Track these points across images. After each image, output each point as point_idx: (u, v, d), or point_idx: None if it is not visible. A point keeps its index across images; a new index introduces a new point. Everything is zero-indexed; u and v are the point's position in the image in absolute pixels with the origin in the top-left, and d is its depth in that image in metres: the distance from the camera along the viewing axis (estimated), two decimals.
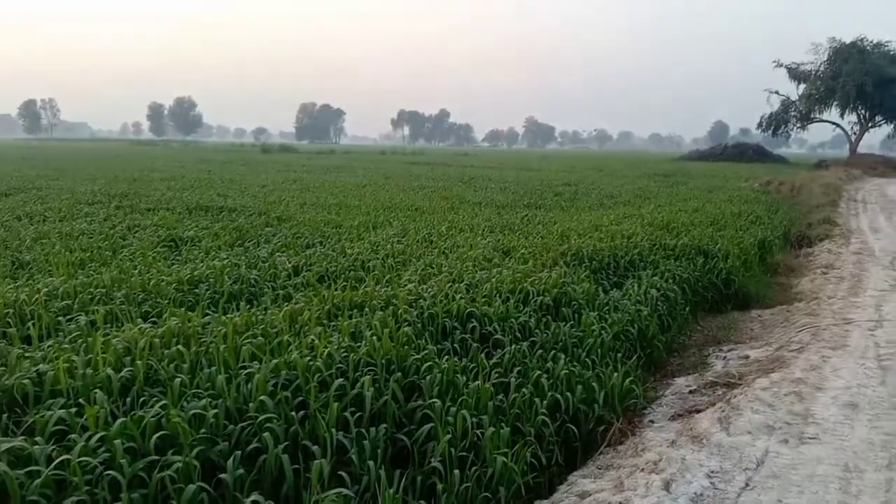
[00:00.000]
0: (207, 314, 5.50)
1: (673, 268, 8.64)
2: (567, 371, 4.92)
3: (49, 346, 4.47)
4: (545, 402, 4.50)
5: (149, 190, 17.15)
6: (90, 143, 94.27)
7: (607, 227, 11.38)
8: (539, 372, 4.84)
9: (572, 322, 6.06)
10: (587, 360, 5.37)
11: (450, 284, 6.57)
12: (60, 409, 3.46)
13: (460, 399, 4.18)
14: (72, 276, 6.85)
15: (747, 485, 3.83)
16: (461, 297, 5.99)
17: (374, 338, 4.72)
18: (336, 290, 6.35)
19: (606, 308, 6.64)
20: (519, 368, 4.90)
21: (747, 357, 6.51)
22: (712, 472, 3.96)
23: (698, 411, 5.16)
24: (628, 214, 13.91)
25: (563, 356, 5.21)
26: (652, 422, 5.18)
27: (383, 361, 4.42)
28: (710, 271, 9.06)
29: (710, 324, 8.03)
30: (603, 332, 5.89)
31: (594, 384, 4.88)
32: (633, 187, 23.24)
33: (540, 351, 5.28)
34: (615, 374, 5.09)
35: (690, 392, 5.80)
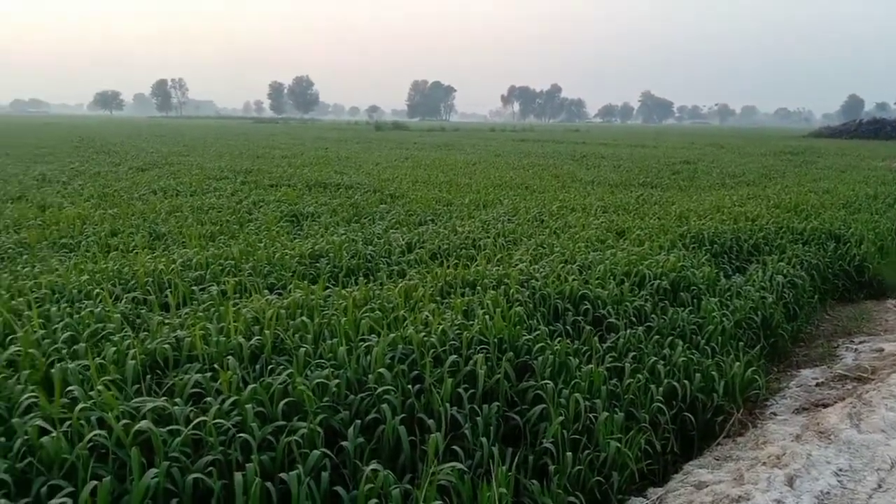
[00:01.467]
0: (328, 287, 5.73)
1: (801, 253, 8.16)
2: (685, 358, 4.78)
3: (185, 314, 4.81)
4: (661, 388, 4.40)
5: (271, 167, 17.94)
6: (215, 121, 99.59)
7: (729, 208, 10.89)
8: (655, 358, 4.74)
9: (691, 308, 5.87)
10: (706, 347, 5.20)
11: (562, 265, 6.52)
12: (196, 373, 3.73)
13: (573, 382, 4.16)
14: (203, 248, 7.31)
15: (880, 486, 3.61)
16: (574, 279, 5.93)
17: (487, 316, 4.77)
18: (448, 267, 6.44)
19: (728, 294, 6.38)
20: (634, 354, 4.80)
21: (881, 350, 6.08)
22: (840, 469, 3.76)
23: (825, 405, 4.90)
24: (752, 195, 13.22)
25: (680, 343, 5.06)
26: (774, 414, 4.96)
27: (495, 340, 4.46)
28: (841, 257, 8.50)
29: (841, 313, 7.55)
30: (724, 319, 5.67)
31: (714, 373, 4.73)
32: (758, 166, 22.04)
33: (656, 336, 5.16)
34: (736, 364, 4.90)
35: (817, 385, 5.51)
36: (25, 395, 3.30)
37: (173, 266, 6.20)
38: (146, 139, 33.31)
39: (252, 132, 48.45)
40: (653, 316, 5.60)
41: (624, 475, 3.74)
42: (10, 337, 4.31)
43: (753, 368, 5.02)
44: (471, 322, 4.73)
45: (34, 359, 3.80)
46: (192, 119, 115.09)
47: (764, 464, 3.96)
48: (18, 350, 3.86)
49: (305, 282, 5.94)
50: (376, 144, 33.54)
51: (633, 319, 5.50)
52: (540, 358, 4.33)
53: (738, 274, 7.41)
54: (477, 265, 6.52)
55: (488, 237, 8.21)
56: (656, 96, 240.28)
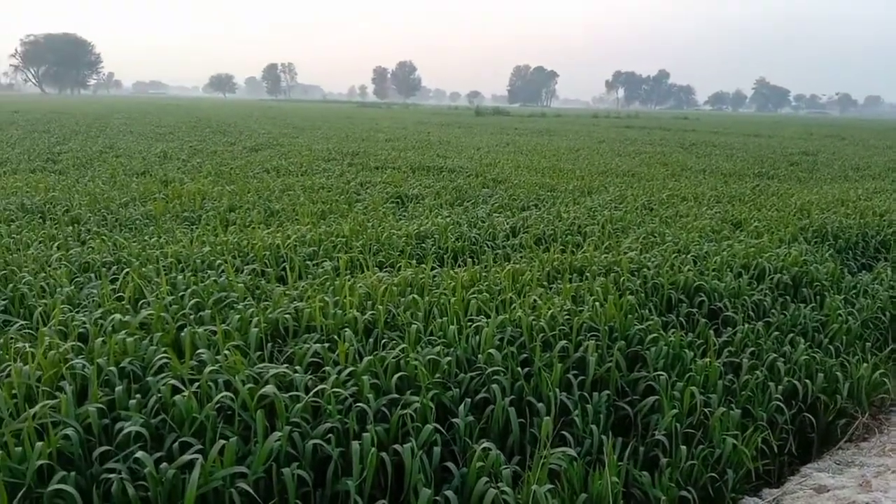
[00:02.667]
0: (434, 267, 5.78)
1: None
2: (807, 357, 4.52)
3: (302, 287, 4.97)
4: (780, 387, 4.19)
5: (376, 149, 18.28)
6: (322, 105, 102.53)
7: (854, 201, 10.22)
8: (774, 355, 4.51)
9: (813, 304, 5.55)
10: (830, 346, 4.90)
11: (675, 255, 6.31)
12: (315, 343, 3.85)
13: (687, 375, 4.02)
14: (315, 225, 7.54)
15: None
16: (688, 269, 5.72)
17: (597, 304, 4.68)
18: (554, 253, 6.36)
19: (854, 292, 5.99)
20: (752, 349, 4.59)
21: None
22: None
23: None
24: (879, 189, 12.35)
25: (802, 340, 4.79)
26: None
27: (606, 328, 4.37)
28: None
29: None
30: (849, 317, 5.32)
31: (838, 373, 4.45)
32: (885, 159, 20.56)
33: (776, 333, 4.90)
34: (863, 365, 4.59)
35: None
36: (158, 356, 3.50)
37: (288, 241, 6.42)
38: (257, 121, 34.66)
39: (356, 116, 49.54)
40: (772, 311, 5.34)
41: (739, 473, 3.59)
42: (142, 302, 4.61)
43: (881, 371, 4.69)
44: (580, 308, 4.65)
45: (165, 322, 4.03)
46: (299, 102, 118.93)
47: (894, 472, 3.71)
48: (150, 314, 4.11)
49: (413, 261, 6.01)
50: (477, 129, 33.54)
51: (752, 314, 5.26)
52: (653, 349, 4.21)
53: (864, 271, 6.94)
54: (584, 252, 6.40)
55: (595, 224, 8.05)
56: (771, 84, 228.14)
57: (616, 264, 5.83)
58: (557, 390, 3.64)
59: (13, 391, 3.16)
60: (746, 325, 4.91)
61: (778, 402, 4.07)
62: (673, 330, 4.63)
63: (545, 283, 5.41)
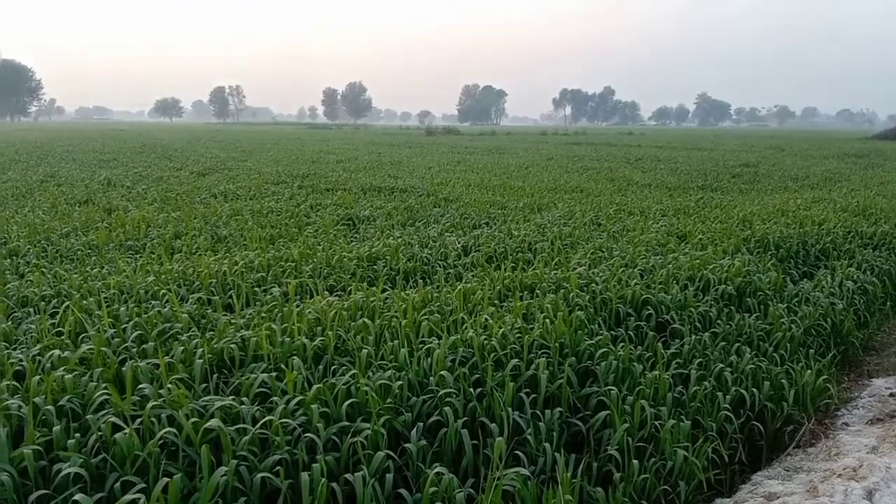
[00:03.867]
0: (386, 290, 5.75)
1: (871, 258, 7.85)
2: (753, 365, 4.63)
3: (249, 315, 4.88)
4: (728, 396, 4.27)
5: (326, 171, 18.18)
6: (271, 127, 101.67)
7: (794, 211, 10.55)
8: (722, 365, 4.60)
9: (758, 314, 5.69)
10: (775, 355, 5.03)
11: (622, 269, 6.40)
12: (262, 372, 3.77)
13: (637, 388, 4.07)
14: (264, 250, 7.43)
15: None
16: (636, 283, 5.81)
17: (547, 321, 4.70)
18: (505, 271, 6.40)
19: (796, 300, 6.17)
20: (700, 360, 4.67)
21: None
22: None
23: None
24: (817, 199, 12.79)
25: (747, 349, 4.91)
26: (846, 424, 4.75)
27: (557, 345, 4.40)
28: None
29: None
30: (792, 325, 5.48)
31: (783, 381, 4.56)
32: (822, 169, 21.33)
33: (722, 343, 5.01)
34: (807, 372, 4.72)
35: (892, 395, 5.25)
36: (98, 393, 3.39)
37: (236, 268, 6.31)
38: (205, 145, 34.16)
39: (306, 138, 49.23)
40: (718, 322, 5.45)
41: (691, 485, 3.63)
42: (82, 336, 4.45)
43: (825, 377, 4.83)
44: (531, 326, 4.67)
45: (106, 357, 3.90)
46: (248, 125, 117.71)
47: (839, 476, 3.79)
48: (91, 348, 3.98)
49: (364, 284, 5.97)
50: (428, 149, 33.68)
51: (698, 325, 5.37)
52: (603, 363, 4.25)
53: (805, 279, 7.16)
54: (534, 269, 6.45)
55: (545, 241, 8.13)
56: (713, 98, 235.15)
57: (565, 280, 5.89)
58: (510, 409, 3.64)
59: None
60: (693, 337, 5.00)
61: (726, 412, 4.14)
62: (622, 344, 4.69)
63: (496, 301, 5.43)
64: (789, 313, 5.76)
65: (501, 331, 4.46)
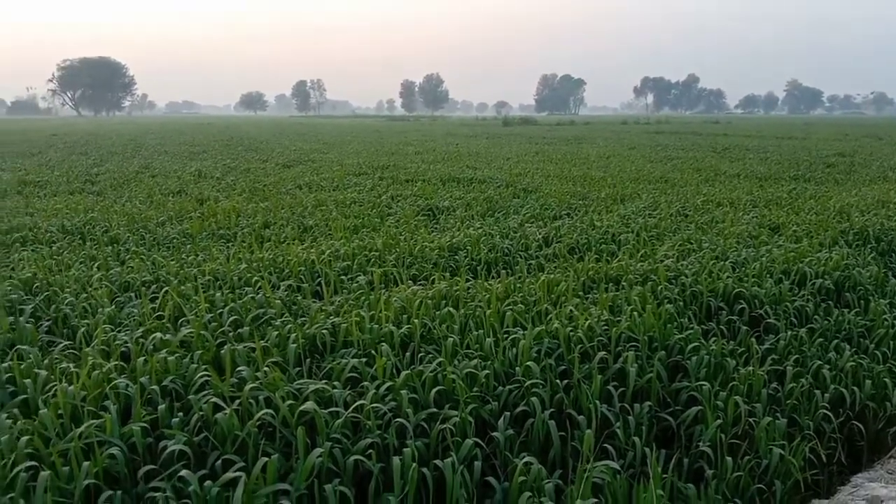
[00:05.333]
0: (468, 280, 5.77)
1: None
2: (853, 363, 4.40)
3: (338, 302, 5.00)
4: (827, 395, 4.08)
5: (405, 162, 18.36)
6: (351, 119, 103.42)
7: None
8: (819, 362, 4.39)
9: (857, 309, 5.41)
10: (877, 352, 4.76)
11: (713, 261, 6.21)
12: (352, 358, 3.86)
13: (730, 384, 3.95)
14: (349, 240, 7.58)
15: None
16: (727, 276, 5.62)
17: (635, 313, 4.61)
18: (588, 262, 6.31)
19: None
20: (796, 357, 4.48)
21: None
22: None
23: None
24: None
25: (847, 347, 4.67)
26: None
27: (645, 338, 4.31)
28: None
29: None
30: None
31: (886, 379, 4.31)
32: None
33: (820, 339, 4.78)
34: None
35: None
36: (199, 374, 3.54)
37: (323, 257, 6.47)
38: (288, 137, 35.07)
39: (385, 130, 49.85)
40: (815, 317, 5.21)
41: (787, 484, 3.49)
42: (181, 320, 4.67)
43: None
44: (618, 318, 4.59)
45: (205, 340, 4.08)
46: (329, 118, 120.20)
47: None
48: (190, 332, 4.16)
49: (447, 274, 6.01)
50: (505, 139, 33.52)
51: (794, 320, 5.15)
52: (694, 358, 4.14)
53: None
54: (619, 260, 6.34)
55: (629, 232, 7.96)
56: (804, 85, 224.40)
57: (653, 272, 5.76)
58: (598, 402, 3.59)
59: (59, 411, 3.22)
60: (789, 332, 4.80)
61: (825, 411, 3.96)
62: (714, 338, 4.56)
63: (581, 293, 5.36)
64: (892, 309, 5.45)
65: (588, 322, 4.40)
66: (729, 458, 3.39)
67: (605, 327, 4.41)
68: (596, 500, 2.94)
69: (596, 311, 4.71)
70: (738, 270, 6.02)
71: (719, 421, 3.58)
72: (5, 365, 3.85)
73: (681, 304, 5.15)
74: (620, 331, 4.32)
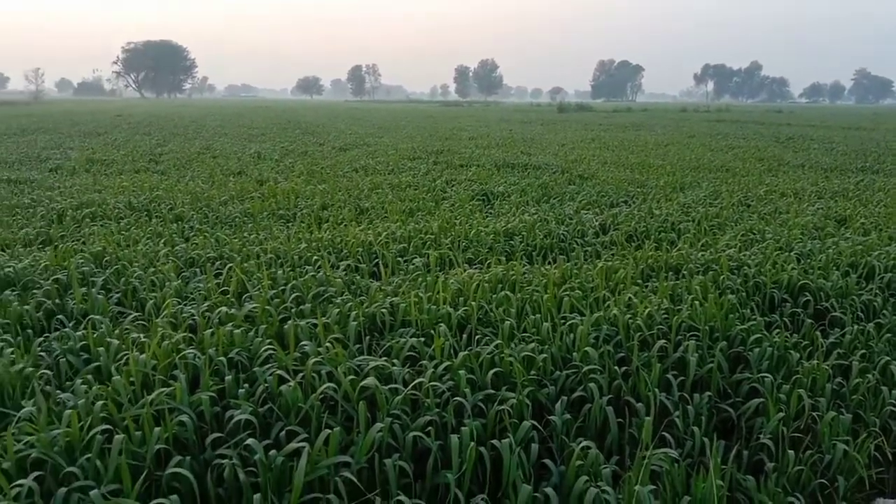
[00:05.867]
0: (524, 265, 5.76)
1: None
2: None
3: (396, 283, 5.06)
4: (894, 391, 3.95)
5: (459, 148, 18.36)
6: (405, 104, 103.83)
7: None
8: (887, 358, 4.25)
9: None
10: None
11: (776, 252, 6.05)
12: (411, 337, 3.91)
13: (793, 377, 3.86)
14: (404, 222, 7.65)
15: None
16: (791, 268, 5.48)
17: (696, 302, 4.54)
18: (647, 250, 6.23)
19: None
20: (862, 352, 4.35)
21: None
22: None
23: None
24: None
25: None
26: None
27: (706, 328, 4.24)
28: None
29: None
30: None
31: None
32: None
33: (888, 335, 4.63)
34: None
35: None
36: (264, 348, 3.64)
37: (379, 238, 6.54)
38: (343, 121, 35.42)
39: (438, 115, 49.85)
40: (884, 312, 5.04)
41: (850, 481, 3.41)
42: (245, 295, 4.80)
43: None
44: (678, 307, 4.53)
45: (269, 315, 4.18)
46: (383, 103, 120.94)
47: None
48: (255, 307, 4.27)
49: (502, 258, 6.01)
50: (560, 126, 33.16)
51: (861, 315, 4.99)
52: (756, 350, 4.06)
53: None
54: (679, 249, 6.23)
55: (689, 221, 7.82)
56: (873, 74, 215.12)
57: (714, 262, 5.65)
58: (657, 390, 3.56)
59: (131, 378, 3.36)
60: (856, 327, 4.65)
61: (892, 408, 3.84)
62: (777, 330, 4.45)
63: (639, 280, 5.30)
64: None
65: (647, 310, 4.35)
66: (791, 452, 3.33)
67: (665, 316, 4.36)
68: (654, 486, 2.93)
69: (656, 300, 4.65)
70: (803, 262, 5.86)
71: (781, 414, 3.51)
72: (79, 333, 4.03)
73: (743, 294, 5.05)
74: (681, 320, 4.26)
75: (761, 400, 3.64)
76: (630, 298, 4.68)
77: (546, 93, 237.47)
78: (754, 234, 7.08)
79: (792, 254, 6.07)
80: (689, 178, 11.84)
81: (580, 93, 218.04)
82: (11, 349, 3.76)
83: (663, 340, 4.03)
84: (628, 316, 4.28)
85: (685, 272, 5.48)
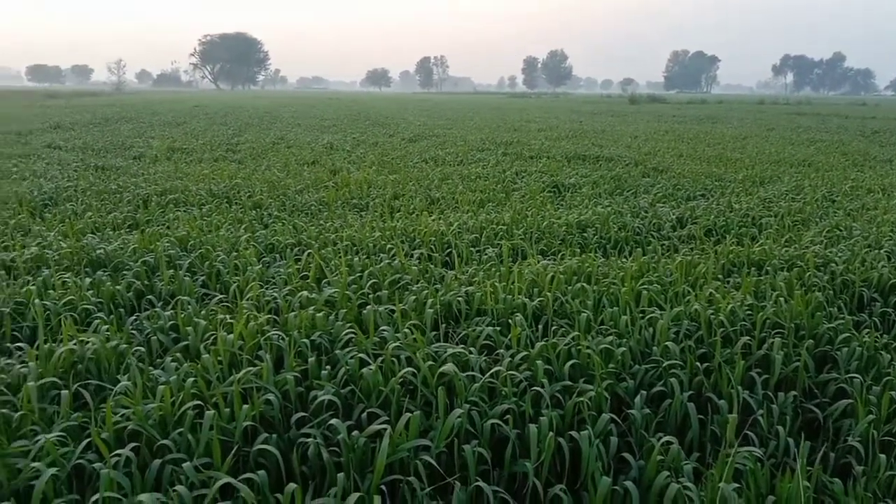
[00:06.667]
0: (599, 258, 5.69)
1: None
2: None
3: (470, 272, 5.08)
4: None
5: (528, 139, 18.24)
6: (472, 96, 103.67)
7: None
8: None
9: None
10: None
11: (865, 250, 5.79)
12: (487, 326, 3.92)
13: (884, 379, 3.69)
14: (475, 213, 7.66)
15: None
16: (882, 265, 5.23)
17: (781, 299, 4.40)
18: (728, 245, 6.06)
19: None
20: None
21: None
22: None
23: None
24: None
25: None
26: None
27: (792, 325, 4.10)
28: None
29: None
30: None
31: None
32: None
33: None
34: None
35: None
36: (344, 331, 3.72)
37: (451, 228, 6.57)
38: (412, 113, 35.64)
39: (506, 106, 49.59)
40: None
41: None
42: (323, 281, 4.91)
43: None
44: (762, 304, 4.40)
45: (348, 300, 4.27)
46: (451, 94, 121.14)
47: None
48: (335, 292, 4.37)
49: (576, 250, 5.96)
50: (632, 117, 32.50)
51: None
52: (844, 349, 3.90)
53: None
54: (761, 244, 6.04)
55: (771, 216, 7.56)
56: None
57: (799, 258, 5.46)
58: (740, 388, 3.47)
59: (219, 357, 3.49)
60: None
61: None
62: (867, 330, 4.27)
63: (720, 276, 5.17)
64: None
65: (730, 306, 4.24)
66: (882, 456, 3.19)
67: (749, 312, 4.24)
68: (737, 485, 2.86)
69: (738, 296, 4.52)
70: (893, 260, 5.59)
71: (871, 416, 3.37)
72: (168, 313, 4.21)
73: (830, 292, 4.86)
74: (765, 316, 4.14)
75: (850, 401, 3.50)
76: (711, 293, 4.57)
77: (617, 84, 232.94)
78: (840, 230, 6.79)
79: (882, 251, 5.79)
80: (769, 172, 11.45)
81: (652, 84, 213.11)
82: (106, 326, 3.95)
83: (747, 337, 3.92)
84: (710, 311, 4.18)
85: (768, 268, 5.31)
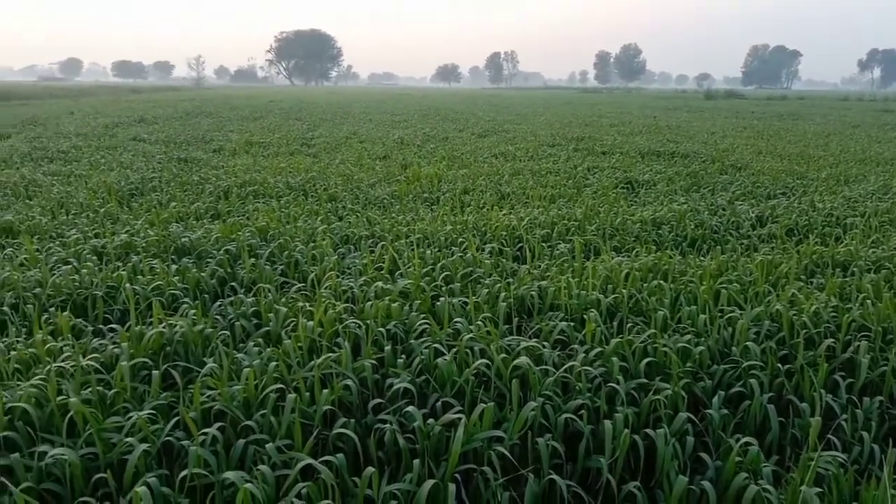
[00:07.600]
0: (675, 255, 5.59)
1: None
2: None
3: (543, 267, 5.08)
4: None
5: (600, 135, 17.98)
6: (543, 91, 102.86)
7: None
8: None
9: None
10: None
11: None
12: (560, 321, 3.92)
13: None
14: (546, 208, 7.62)
15: None
16: None
17: (868, 301, 4.22)
18: (811, 245, 5.85)
19: None
20: None
21: None
22: None
23: None
24: None
25: None
26: None
27: (879, 328, 3.94)
28: None
29: None
30: None
31: None
32: None
33: None
34: None
35: None
36: (419, 322, 3.79)
37: (523, 223, 6.57)
38: (481, 108, 35.61)
39: (577, 101, 48.99)
40: None
41: None
42: (397, 272, 4.99)
43: None
44: (848, 306, 4.24)
45: (422, 291, 4.34)
46: (521, 90, 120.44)
47: None
48: (409, 283, 4.44)
49: (651, 247, 5.87)
50: (708, 113, 31.61)
51: None
52: None
53: None
54: (846, 245, 5.80)
55: (857, 216, 7.25)
56: None
57: (888, 260, 5.22)
58: (823, 391, 3.36)
59: (299, 343, 3.60)
60: None
61: None
62: None
63: (803, 276, 5.00)
64: None
65: (814, 308, 4.10)
66: None
67: (834, 314, 4.09)
68: (819, 489, 2.78)
69: (823, 297, 4.37)
70: None
71: None
72: (250, 300, 4.36)
73: None
74: (851, 319, 3.99)
75: None
76: (794, 294, 4.43)
77: (692, 79, 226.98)
78: None
79: None
80: (854, 171, 10.96)
81: (729, 79, 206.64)
82: (192, 311, 4.13)
83: (831, 340, 3.78)
84: (792, 312, 4.06)
85: (854, 269, 5.11)
